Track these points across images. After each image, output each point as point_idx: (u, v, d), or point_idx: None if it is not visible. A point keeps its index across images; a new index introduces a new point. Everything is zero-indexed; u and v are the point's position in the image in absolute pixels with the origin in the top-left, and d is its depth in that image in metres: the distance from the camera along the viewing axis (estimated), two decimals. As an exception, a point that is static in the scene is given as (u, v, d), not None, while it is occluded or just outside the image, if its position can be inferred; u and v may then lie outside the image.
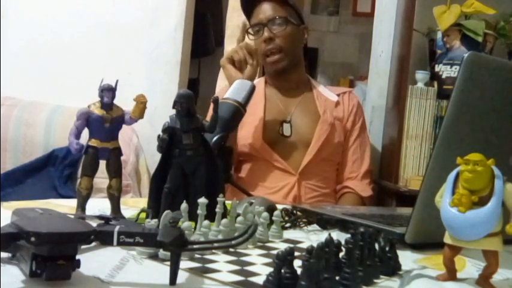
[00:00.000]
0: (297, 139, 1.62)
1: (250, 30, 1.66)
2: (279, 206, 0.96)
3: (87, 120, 0.85)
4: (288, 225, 0.92)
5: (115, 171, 0.86)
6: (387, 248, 0.66)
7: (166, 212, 0.68)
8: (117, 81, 0.86)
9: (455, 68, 1.72)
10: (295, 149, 1.61)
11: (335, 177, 1.70)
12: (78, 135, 0.84)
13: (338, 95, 1.74)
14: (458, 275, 0.65)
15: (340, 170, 1.70)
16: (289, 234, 0.87)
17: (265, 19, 1.61)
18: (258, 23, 1.63)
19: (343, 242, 0.61)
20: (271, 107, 1.66)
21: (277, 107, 1.66)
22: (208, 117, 0.89)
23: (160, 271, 0.59)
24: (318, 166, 1.62)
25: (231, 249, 0.71)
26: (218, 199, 0.77)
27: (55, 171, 2.02)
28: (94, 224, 0.61)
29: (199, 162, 0.87)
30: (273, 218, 0.84)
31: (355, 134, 1.70)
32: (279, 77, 1.68)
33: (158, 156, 0.87)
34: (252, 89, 1.18)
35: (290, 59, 1.65)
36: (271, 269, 0.55)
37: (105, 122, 0.85)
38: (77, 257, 0.52)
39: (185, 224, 0.70)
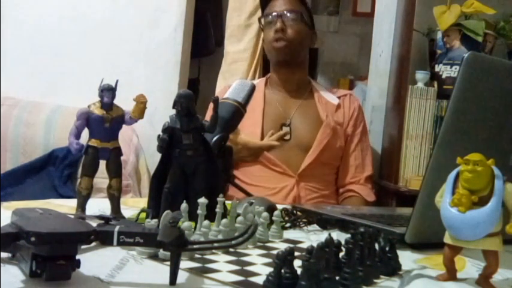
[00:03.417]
0: (296, 143, 1.62)
1: (262, 20, 1.70)
2: (279, 206, 0.96)
3: (87, 120, 0.84)
4: (288, 225, 0.92)
5: (115, 171, 0.86)
6: (387, 248, 0.66)
7: (166, 212, 0.68)
8: (117, 81, 0.86)
9: (455, 68, 1.72)
10: (294, 152, 1.61)
11: (334, 180, 1.70)
12: (78, 135, 0.84)
13: (339, 98, 1.73)
14: (458, 275, 0.65)
15: (341, 175, 1.69)
16: (289, 234, 0.87)
17: (280, 11, 1.65)
18: (272, 12, 1.66)
19: (343, 242, 0.61)
20: (270, 110, 1.66)
21: (276, 110, 1.66)
22: (208, 117, 0.89)
23: (160, 271, 0.59)
24: (317, 169, 1.62)
25: (231, 249, 0.71)
26: (218, 199, 0.77)
27: (55, 171, 2.02)
28: (94, 224, 0.61)
29: (199, 162, 0.87)
30: (273, 218, 0.84)
31: (356, 139, 1.70)
32: (282, 68, 1.69)
33: (158, 156, 0.87)
34: (252, 89, 1.18)
35: (296, 54, 1.67)
36: (271, 269, 0.55)
37: (105, 122, 0.85)
38: (77, 257, 0.52)
39: (185, 224, 0.70)
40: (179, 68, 2.27)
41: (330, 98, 1.72)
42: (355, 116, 1.71)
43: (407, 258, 0.74)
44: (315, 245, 0.54)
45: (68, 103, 2.14)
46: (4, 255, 0.58)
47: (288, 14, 1.65)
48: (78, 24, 2.30)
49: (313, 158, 1.59)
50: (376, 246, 0.65)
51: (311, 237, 0.87)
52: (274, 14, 1.66)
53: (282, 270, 0.54)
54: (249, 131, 1.57)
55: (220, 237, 0.73)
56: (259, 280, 0.57)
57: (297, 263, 0.54)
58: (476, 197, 0.59)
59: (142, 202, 0.99)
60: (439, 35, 1.79)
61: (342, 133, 1.67)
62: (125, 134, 2.01)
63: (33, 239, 0.49)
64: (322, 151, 1.60)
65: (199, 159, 0.87)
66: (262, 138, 1.59)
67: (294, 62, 1.68)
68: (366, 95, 2.27)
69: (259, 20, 1.74)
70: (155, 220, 0.68)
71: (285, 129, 1.61)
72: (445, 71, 1.75)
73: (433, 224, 0.65)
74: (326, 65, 3.99)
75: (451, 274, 0.64)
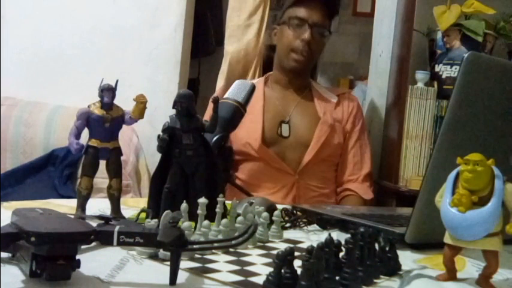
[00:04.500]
0: (295, 140, 1.62)
1: (290, 21, 1.64)
2: (279, 206, 0.96)
3: (87, 120, 0.85)
4: (288, 225, 0.92)
5: (115, 171, 0.86)
6: (387, 248, 0.66)
7: (166, 212, 0.68)
8: (117, 81, 0.86)
9: (455, 68, 1.72)
10: (293, 149, 1.62)
11: (334, 177, 1.70)
12: (78, 135, 0.84)
13: (337, 96, 1.74)
14: (458, 275, 0.65)
15: (340, 172, 1.70)
16: (289, 234, 0.87)
17: (313, 21, 1.62)
18: (304, 18, 1.62)
19: (343, 242, 0.61)
20: (269, 107, 1.66)
21: (275, 107, 1.67)
22: (207, 117, 0.89)
23: (160, 271, 0.59)
24: (317, 167, 1.62)
25: (231, 249, 0.71)
26: (218, 199, 0.77)
27: (55, 171, 2.02)
28: (94, 224, 0.61)
29: (199, 162, 0.87)
30: (273, 218, 0.84)
31: (355, 136, 1.70)
32: (290, 74, 1.69)
33: (158, 156, 0.87)
34: (252, 89, 1.18)
35: (309, 66, 1.70)
36: (271, 269, 0.55)
37: (105, 122, 0.85)
38: (77, 257, 0.52)
39: (185, 224, 0.70)
40: (179, 68, 2.27)
41: (329, 96, 1.73)
42: (354, 114, 1.72)
43: (407, 258, 0.74)
44: (315, 245, 0.54)
45: (68, 103, 2.14)
46: (4, 255, 0.58)
47: (318, 28, 1.63)
48: (78, 24, 2.30)
49: (312, 155, 1.60)
50: (376, 246, 0.65)
51: (311, 237, 0.87)
52: (305, 21, 1.61)
53: (282, 270, 0.54)
54: (249, 127, 1.57)
55: (220, 237, 0.73)
56: (259, 280, 0.57)
57: (297, 263, 0.54)
58: (476, 197, 0.59)
59: (142, 202, 0.99)
60: (439, 35, 1.78)
61: (341, 130, 1.67)
62: (125, 134, 2.01)
63: (33, 239, 0.49)
64: (321, 148, 1.61)
65: (199, 159, 0.87)
66: (263, 135, 1.59)
67: (304, 71, 1.69)
68: (366, 95, 2.26)
69: (282, 13, 1.70)
70: (155, 220, 0.68)
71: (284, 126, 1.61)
72: (445, 71, 1.75)
73: (433, 224, 0.65)
74: (326, 65, 4.00)
75: (451, 274, 0.64)
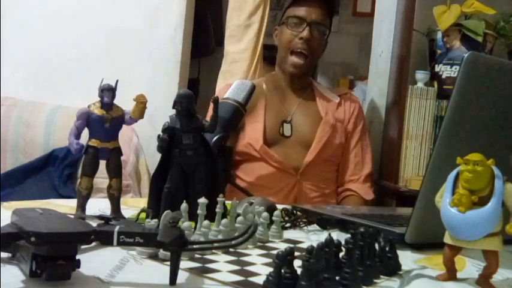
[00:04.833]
0: (297, 139, 1.62)
1: (289, 20, 1.64)
2: (279, 206, 0.96)
3: (87, 120, 0.85)
4: (288, 225, 0.92)
5: (115, 171, 0.86)
6: (387, 248, 0.66)
7: (166, 212, 0.68)
8: (117, 81, 0.86)
9: (455, 68, 1.72)
10: (295, 149, 1.61)
11: (335, 178, 1.70)
12: (78, 135, 0.84)
13: (339, 96, 1.74)
14: (458, 275, 0.65)
15: (341, 172, 1.70)
16: (289, 234, 0.87)
17: (311, 19, 1.61)
18: (302, 17, 1.62)
19: (343, 242, 0.61)
20: (271, 107, 1.66)
21: (277, 107, 1.67)
22: (208, 117, 0.89)
23: (160, 271, 0.59)
24: (319, 167, 1.62)
25: (231, 249, 0.71)
26: (218, 199, 0.77)
27: (55, 171, 2.02)
28: (94, 224, 0.61)
29: (199, 162, 0.87)
30: (273, 218, 0.84)
31: (356, 136, 1.70)
32: (290, 76, 1.69)
33: (158, 156, 0.87)
34: (252, 89, 1.18)
35: (309, 67, 1.69)
36: (271, 269, 0.55)
37: (105, 122, 0.85)
38: (77, 257, 0.52)
39: (185, 224, 0.70)
40: (179, 68, 2.27)
41: (331, 96, 1.73)
42: (356, 114, 1.72)
43: (407, 258, 0.74)
44: (315, 245, 0.54)
45: (68, 103, 2.14)
46: (4, 255, 0.58)
47: (317, 26, 1.62)
48: (78, 24, 2.30)
49: (314, 155, 1.60)
50: (376, 246, 0.65)
51: (311, 237, 0.87)
52: (304, 20, 1.61)
53: (282, 270, 0.54)
54: (251, 127, 1.57)
55: (220, 237, 0.73)
56: (259, 280, 0.57)
57: (297, 263, 0.54)
58: (476, 197, 0.59)
59: (142, 202, 0.99)
60: (439, 35, 1.78)
61: (343, 130, 1.68)
62: (125, 134, 2.01)
63: (33, 239, 0.49)
64: (323, 148, 1.61)
65: (199, 159, 0.87)
66: (264, 135, 1.59)
67: (304, 74, 1.69)
68: (366, 95, 2.27)
69: (282, 14, 1.70)
70: (155, 220, 0.68)
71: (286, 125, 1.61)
72: (445, 71, 1.75)
73: (433, 224, 0.65)
74: (326, 65, 4.00)
75: (451, 274, 0.64)
